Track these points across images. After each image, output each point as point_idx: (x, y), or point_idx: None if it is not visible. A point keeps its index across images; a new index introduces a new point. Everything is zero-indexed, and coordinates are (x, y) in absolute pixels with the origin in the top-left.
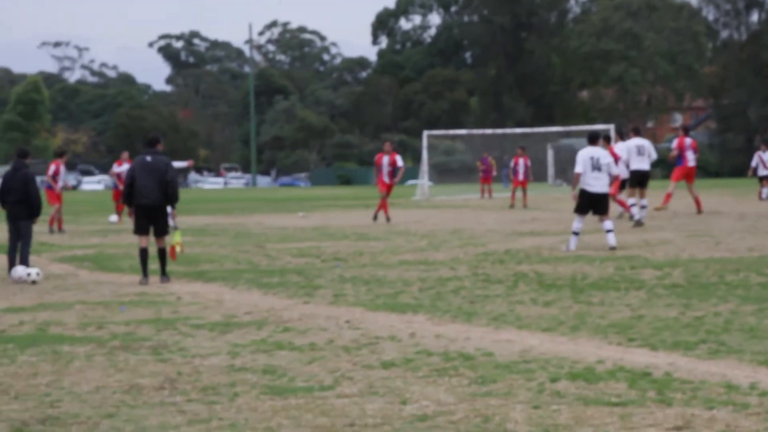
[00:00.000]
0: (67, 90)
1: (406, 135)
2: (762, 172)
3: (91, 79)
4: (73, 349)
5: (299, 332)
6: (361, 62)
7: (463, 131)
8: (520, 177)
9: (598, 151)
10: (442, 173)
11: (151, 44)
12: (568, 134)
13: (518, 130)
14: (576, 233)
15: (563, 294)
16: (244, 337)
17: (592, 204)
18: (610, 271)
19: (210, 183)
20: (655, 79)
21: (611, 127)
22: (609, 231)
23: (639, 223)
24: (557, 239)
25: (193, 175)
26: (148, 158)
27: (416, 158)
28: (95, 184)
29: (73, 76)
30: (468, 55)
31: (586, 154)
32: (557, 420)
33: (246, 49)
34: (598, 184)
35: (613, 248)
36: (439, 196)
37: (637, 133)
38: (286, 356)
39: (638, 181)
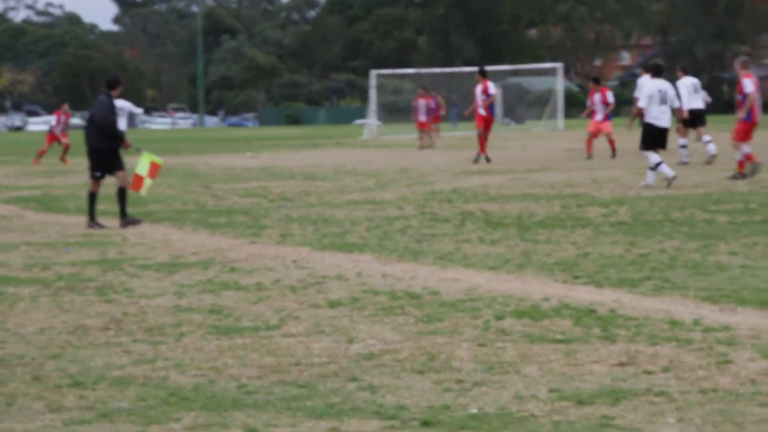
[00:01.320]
0: (12, 30)
1: (354, 74)
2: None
3: (36, 18)
4: (17, 291)
5: (246, 272)
6: (309, 1)
7: (411, 70)
8: (421, 118)
9: (664, 85)
10: (390, 112)
11: None
12: (516, 73)
13: (466, 69)
14: (656, 166)
15: (510, 232)
16: (191, 277)
17: (661, 138)
18: (556, 210)
19: (157, 123)
20: (603, 17)
21: (560, 65)
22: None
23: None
24: (505, 178)
25: (140, 116)
26: (99, 98)
27: (364, 98)
28: (41, 124)
29: (18, 16)
30: None
31: (653, 87)
32: (502, 357)
33: None
34: (665, 118)
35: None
36: (387, 135)
37: (686, 71)
38: (233, 296)
39: (692, 120)
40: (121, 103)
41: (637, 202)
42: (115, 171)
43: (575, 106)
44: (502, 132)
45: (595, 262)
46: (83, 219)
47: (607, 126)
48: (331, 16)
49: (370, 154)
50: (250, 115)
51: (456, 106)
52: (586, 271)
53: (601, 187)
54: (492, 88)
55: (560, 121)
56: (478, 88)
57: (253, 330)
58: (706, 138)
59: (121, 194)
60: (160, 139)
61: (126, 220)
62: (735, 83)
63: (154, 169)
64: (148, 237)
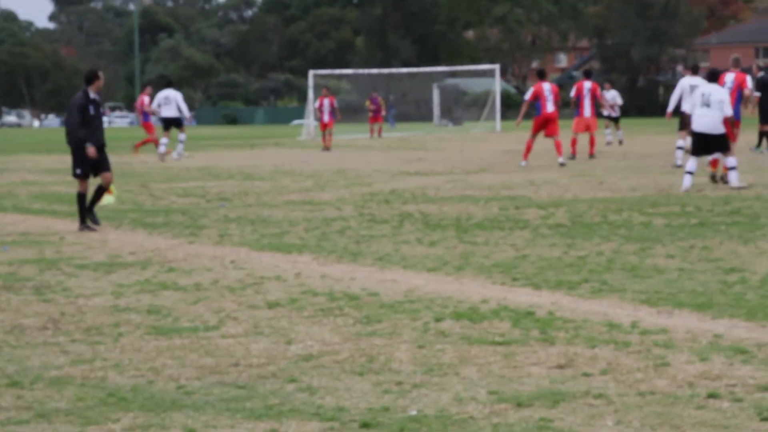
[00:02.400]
0: None
1: (291, 74)
2: (606, 112)
3: None
4: None
5: (184, 272)
6: (247, 1)
7: (349, 71)
8: (326, 118)
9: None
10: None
11: None
12: (453, 74)
13: (404, 70)
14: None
15: (448, 234)
16: (129, 277)
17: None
18: (494, 212)
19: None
20: (540, 19)
21: (497, 67)
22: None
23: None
24: (443, 179)
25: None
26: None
27: (302, 98)
28: None
29: None
30: None
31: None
32: (441, 359)
33: None
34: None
35: (739, 187)
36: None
37: (696, 71)
38: (171, 296)
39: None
40: (172, 94)
41: (575, 205)
42: (100, 171)
43: (512, 107)
44: (439, 133)
45: (533, 264)
46: (20, 217)
47: (595, 122)
48: (269, 16)
49: (308, 154)
50: (188, 114)
51: (393, 107)
52: (524, 273)
53: (538, 189)
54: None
55: (498, 123)
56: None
57: (191, 330)
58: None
59: (98, 194)
60: None
61: (92, 219)
62: (671, 86)
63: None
64: (85, 236)
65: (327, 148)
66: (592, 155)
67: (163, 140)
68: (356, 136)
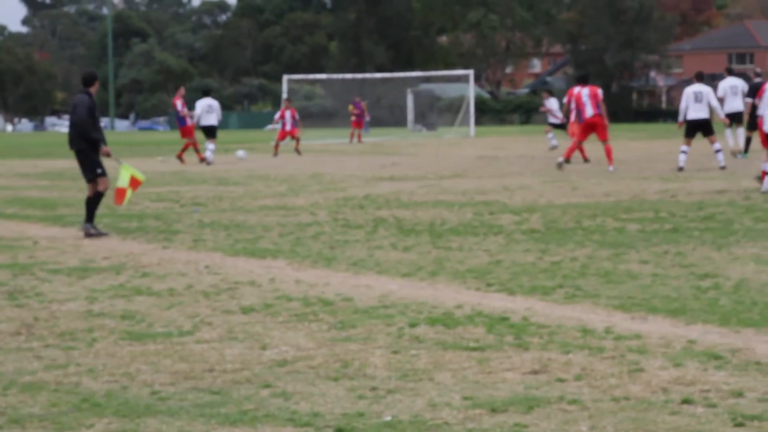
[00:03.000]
0: None
1: (265, 79)
2: (550, 119)
3: None
4: None
5: (158, 277)
6: (221, 5)
7: (323, 76)
8: (288, 127)
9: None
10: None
11: None
12: (427, 79)
13: (378, 75)
14: None
15: (422, 239)
16: (102, 282)
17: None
18: (468, 217)
19: (67, 127)
20: (514, 25)
21: (471, 72)
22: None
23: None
24: (417, 184)
25: (50, 118)
26: (76, 98)
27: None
28: None
29: None
30: None
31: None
32: (416, 365)
33: None
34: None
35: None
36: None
37: (700, 78)
38: (145, 301)
39: (692, 129)
40: (215, 103)
41: (549, 210)
42: (100, 176)
43: (486, 113)
44: (413, 139)
45: (507, 269)
46: None
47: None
48: (243, 21)
49: (282, 159)
50: (161, 119)
51: (367, 112)
52: (498, 278)
53: (512, 194)
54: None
55: (472, 129)
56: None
57: (165, 336)
58: (717, 146)
59: (96, 199)
60: None
61: (90, 226)
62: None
63: (135, 184)
64: (59, 241)
65: (276, 155)
66: (586, 160)
67: (210, 146)
68: (331, 141)
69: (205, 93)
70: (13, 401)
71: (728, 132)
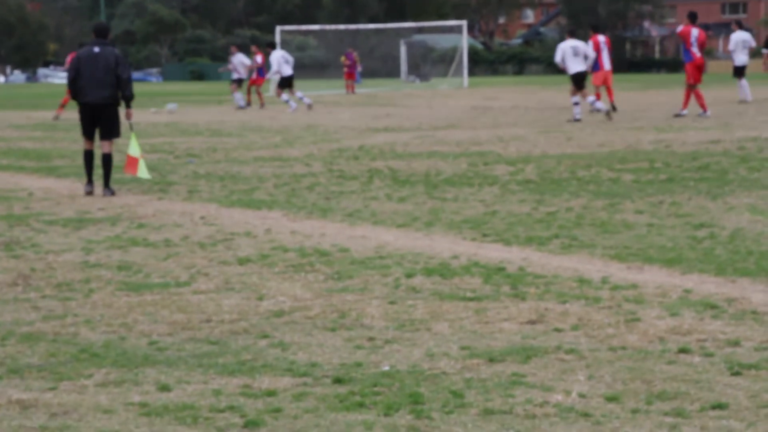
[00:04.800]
0: None
1: (258, 30)
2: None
3: None
4: None
5: (154, 228)
6: None
7: (315, 26)
8: (252, 75)
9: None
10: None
11: None
12: (420, 30)
13: (371, 26)
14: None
15: (417, 190)
16: (98, 233)
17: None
18: (463, 167)
19: (60, 78)
20: None
21: (464, 23)
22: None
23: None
24: (411, 135)
25: (42, 70)
26: (96, 50)
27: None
28: None
29: None
30: None
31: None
32: (413, 315)
33: None
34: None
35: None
36: None
37: (573, 34)
38: (141, 252)
39: (580, 81)
40: (286, 54)
41: (544, 161)
42: (111, 136)
43: (480, 63)
44: (407, 90)
45: (503, 220)
46: None
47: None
48: None
49: (275, 110)
50: (154, 70)
51: (360, 63)
52: (494, 229)
53: (507, 145)
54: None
55: (465, 79)
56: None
57: (162, 286)
58: (591, 98)
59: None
60: (62, 94)
61: (109, 190)
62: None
63: (131, 163)
64: (54, 192)
65: (249, 104)
66: (613, 104)
67: (299, 95)
68: (324, 93)
69: (271, 46)
70: (12, 351)
71: (743, 83)
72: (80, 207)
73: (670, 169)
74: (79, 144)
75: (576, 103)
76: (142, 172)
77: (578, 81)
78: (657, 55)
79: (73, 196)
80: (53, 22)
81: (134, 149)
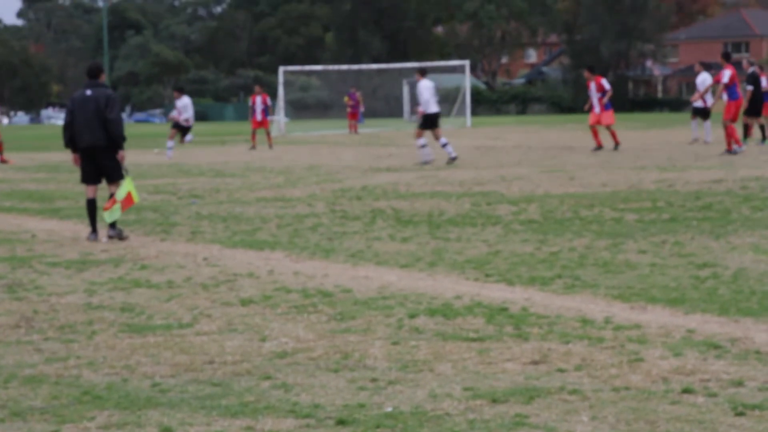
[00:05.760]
0: None
1: (261, 71)
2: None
3: None
4: None
5: (156, 269)
6: None
7: (319, 67)
8: (258, 117)
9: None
10: (298, 109)
11: None
12: None
13: (374, 66)
14: None
15: (420, 230)
16: (101, 274)
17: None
18: (466, 207)
19: (63, 119)
20: (510, 15)
21: (467, 63)
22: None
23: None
24: (414, 175)
25: (46, 111)
26: (88, 92)
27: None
28: None
29: None
30: None
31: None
32: (416, 356)
33: None
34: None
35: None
36: (295, 132)
37: (424, 73)
38: (144, 294)
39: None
40: None
41: (547, 200)
42: (115, 179)
43: (482, 103)
44: (410, 129)
45: (506, 260)
46: None
47: (607, 116)
48: (238, 12)
49: (278, 150)
50: (157, 111)
51: (362, 103)
52: (497, 269)
53: (510, 185)
54: (606, 83)
55: (468, 119)
56: (592, 87)
57: (165, 328)
58: (444, 140)
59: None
60: None
61: (116, 231)
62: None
63: (128, 202)
64: (56, 234)
65: (254, 147)
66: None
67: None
68: (326, 132)
69: (180, 90)
70: (14, 394)
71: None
72: (83, 249)
73: (673, 208)
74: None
75: (423, 145)
76: (110, 215)
77: (433, 122)
78: (660, 95)
79: (76, 238)
80: (56, 64)
81: (121, 193)
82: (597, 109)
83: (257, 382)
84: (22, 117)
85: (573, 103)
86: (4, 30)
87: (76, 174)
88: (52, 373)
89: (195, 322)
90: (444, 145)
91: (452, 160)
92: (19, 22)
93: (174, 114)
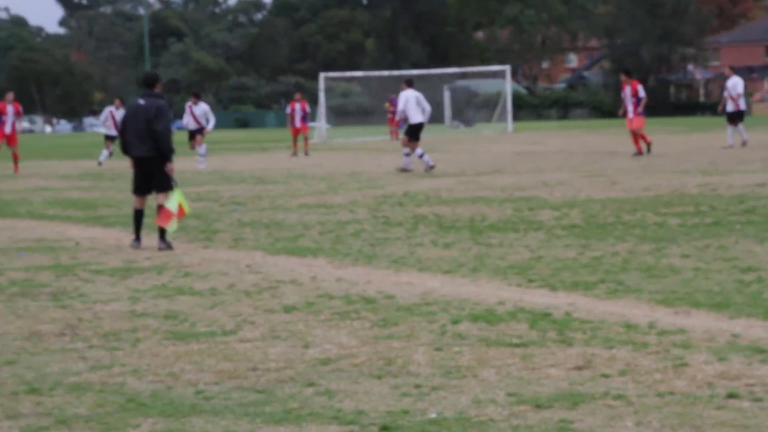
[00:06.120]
0: None
1: (302, 77)
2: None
3: None
4: None
5: (200, 277)
6: (256, 4)
7: (359, 73)
8: (297, 123)
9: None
10: (339, 115)
11: None
12: (464, 75)
13: (414, 72)
14: None
15: (463, 236)
16: (145, 282)
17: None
18: (508, 213)
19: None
20: (550, 20)
21: (507, 68)
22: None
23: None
24: (455, 181)
25: (88, 119)
26: (141, 101)
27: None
28: None
29: None
30: None
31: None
32: (459, 362)
33: None
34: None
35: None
36: (337, 138)
37: (410, 84)
38: (187, 301)
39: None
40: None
41: (589, 205)
42: (163, 189)
43: (523, 108)
44: (451, 135)
45: (548, 265)
46: (35, 223)
47: (638, 121)
48: (278, 19)
49: (320, 157)
50: None
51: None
52: (540, 274)
53: (552, 190)
54: (641, 90)
55: (509, 124)
56: (627, 91)
57: (209, 335)
58: (419, 151)
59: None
60: None
61: (166, 243)
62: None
63: (181, 213)
64: (100, 242)
65: (296, 154)
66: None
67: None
68: (368, 139)
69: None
70: (60, 402)
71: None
72: (127, 256)
73: (716, 212)
74: (125, 193)
75: (407, 154)
76: (172, 226)
77: (415, 132)
78: (702, 98)
79: (119, 246)
80: (98, 72)
81: (172, 203)
82: (630, 114)
83: (301, 389)
84: (64, 125)
85: (614, 108)
86: (47, 39)
87: (119, 182)
88: (97, 381)
89: (238, 329)
90: (421, 156)
91: (406, 170)
92: (61, 31)
93: (209, 127)
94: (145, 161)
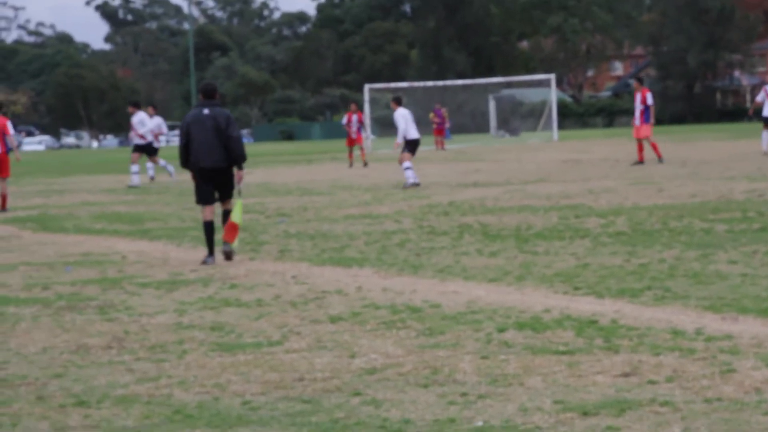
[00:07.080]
0: (4, 51)
1: (347, 89)
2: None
3: (28, 39)
4: (18, 311)
5: (246, 288)
6: (301, 17)
7: (404, 84)
8: (353, 134)
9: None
10: (385, 127)
11: (88, 2)
12: (509, 85)
13: (459, 82)
14: None
15: (508, 244)
16: (191, 294)
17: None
18: (554, 221)
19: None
20: (594, 28)
21: (552, 77)
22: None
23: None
24: (501, 190)
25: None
26: (206, 111)
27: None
28: (36, 144)
29: (9, 37)
30: (407, 6)
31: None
32: (506, 370)
33: (185, 6)
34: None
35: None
36: (382, 149)
37: (399, 102)
38: (234, 313)
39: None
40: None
41: (635, 212)
42: (229, 197)
43: (569, 117)
44: (496, 144)
45: (595, 272)
46: (81, 238)
47: (645, 129)
48: (323, 31)
49: (365, 168)
50: (244, 131)
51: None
52: (586, 281)
53: (598, 197)
54: (650, 98)
55: (555, 133)
56: (638, 98)
57: (255, 346)
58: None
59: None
60: None
61: (229, 247)
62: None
63: (232, 230)
64: (146, 255)
65: (352, 165)
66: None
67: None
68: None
69: (136, 105)
70: (107, 414)
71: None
72: (172, 269)
73: (763, 218)
74: (171, 207)
75: (408, 168)
76: (237, 241)
77: (413, 147)
78: (748, 105)
79: (165, 259)
80: (144, 87)
81: (238, 216)
82: (637, 121)
83: (347, 399)
84: (111, 140)
85: (660, 115)
86: (92, 55)
87: (165, 195)
88: (144, 393)
89: (284, 340)
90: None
91: (414, 185)
92: (107, 47)
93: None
94: (215, 171)
